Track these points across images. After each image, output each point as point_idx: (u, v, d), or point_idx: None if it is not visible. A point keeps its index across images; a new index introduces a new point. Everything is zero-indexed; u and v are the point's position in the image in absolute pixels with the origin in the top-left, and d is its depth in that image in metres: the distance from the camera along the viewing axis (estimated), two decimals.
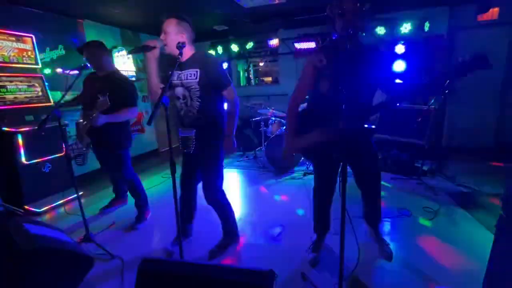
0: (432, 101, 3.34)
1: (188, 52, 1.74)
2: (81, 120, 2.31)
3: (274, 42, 5.10)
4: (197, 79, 1.70)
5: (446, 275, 1.74)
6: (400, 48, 4.37)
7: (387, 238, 2.18)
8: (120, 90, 2.20)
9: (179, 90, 1.78)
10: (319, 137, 1.60)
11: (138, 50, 1.62)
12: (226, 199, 2.03)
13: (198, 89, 1.72)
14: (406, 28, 4.21)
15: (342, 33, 1.50)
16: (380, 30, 4.37)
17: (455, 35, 4.41)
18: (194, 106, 1.76)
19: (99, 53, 2.25)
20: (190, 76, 1.72)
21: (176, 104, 1.83)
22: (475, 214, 2.48)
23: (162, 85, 1.70)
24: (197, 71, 1.71)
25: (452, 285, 1.65)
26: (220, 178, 1.93)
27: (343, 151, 1.33)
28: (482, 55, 1.29)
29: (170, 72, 1.48)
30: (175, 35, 1.67)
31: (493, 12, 4.06)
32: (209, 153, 1.86)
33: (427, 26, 4.22)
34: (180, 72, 1.75)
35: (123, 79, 2.34)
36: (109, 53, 2.39)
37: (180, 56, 1.55)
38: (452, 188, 3.08)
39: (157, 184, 3.70)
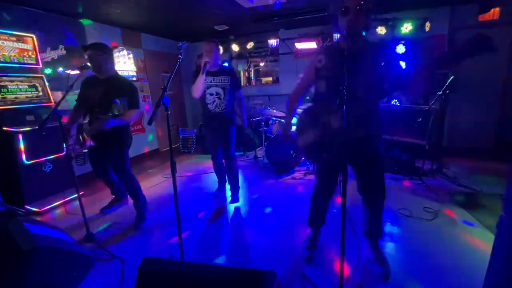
0: (433, 101, 3.34)
1: (218, 64, 2.65)
2: (86, 122, 2.30)
3: (273, 42, 5.10)
4: (229, 83, 2.65)
5: (446, 275, 1.74)
6: (400, 49, 4.36)
7: (387, 238, 2.18)
8: (125, 94, 2.23)
9: (213, 89, 2.64)
10: (314, 136, 1.61)
11: (200, 69, 2.44)
12: (237, 162, 2.97)
13: (229, 89, 2.66)
14: (406, 28, 4.20)
15: (345, 32, 1.45)
16: (381, 30, 4.37)
17: (456, 35, 4.40)
18: (226, 99, 2.68)
19: (104, 58, 2.25)
20: (225, 80, 2.64)
21: (206, 99, 2.66)
22: (476, 214, 2.47)
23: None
24: (228, 78, 2.65)
25: (452, 286, 1.65)
26: (234, 147, 2.87)
27: (339, 153, 1.34)
28: (483, 37, 1.17)
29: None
30: (216, 54, 2.56)
31: (494, 12, 4.05)
32: (231, 129, 2.78)
33: (427, 26, 4.21)
34: (213, 77, 2.61)
35: (127, 83, 2.36)
36: (112, 56, 2.40)
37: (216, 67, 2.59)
38: (452, 188, 3.08)
39: (158, 183, 3.70)
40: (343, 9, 1.43)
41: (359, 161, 1.67)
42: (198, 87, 2.48)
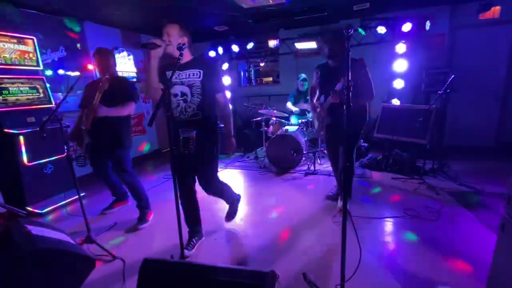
0: (434, 100, 3.33)
1: (187, 55, 1.90)
2: (82, 119, 2.32)
3: (273, 42, 5.10)
4: (200, 78, 1.87)
5: (448, 275, 1.73)
6: (401, 47, 4.35)
7: (389, 238, 2.18)
8: (120, 87, 2.28)
9: (177, 88, 1.90)
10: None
11: (144, 46, 1.70)
12: (221, 182, 2.22)
13: (200, 86, 1.87)
14: (407, 27, 4.19)
15: (327, 59, 2.46)
16: (381, 30, 4.36)
17: (456, 34, 4.40)
18: (194, 102, 1.89)
19: (112, 62, 2.40)
20: (193, 75, 1.88)
21: (171, 102, 1.91)
22: (478, 214, 2.47)
23: (161, 84, 1.83)
24: (200, 72, 1.88)
25: (454, 285, 1.65)
26: (217, 169, 2.13)
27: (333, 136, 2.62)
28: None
29: (171, 72, 1.56)
30: (178, 38, 1.82)
31: (495, 11, 4.04)
32: (209, 147, 1.97)
33: (428, 25, 4.20)
34: (179, 72, 1.89)
35: (122, 78, 2.42)
36: (114, 59, 2.48)
37: (180, 57, 1.60)
38: (454, 187, 3.07)
39: (158, 184, 3.70)
40: (321, 46, 2.38)
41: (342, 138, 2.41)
42: (149, 84, 1.79)
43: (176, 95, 1.90)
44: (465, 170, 3.49)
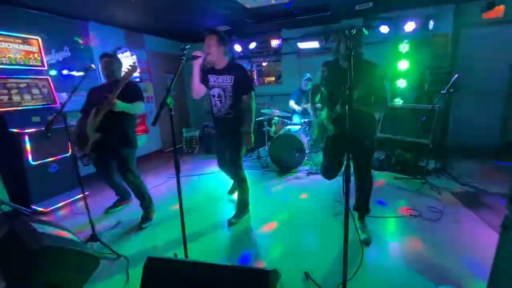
0: (437, 100, 3.31)
1: (223, 61, 2.27)
2: (91, 116, 2.35)
3: (276, 42, 5.10)
4: (231, 83, 2.24)
5: (451, 274, 1.73)
6: (404, 47, 4.34)
7: (391, 238, 2.18)
8: (127, 89, 2.29)
9: (216, 91, 2.31)
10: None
11: (189, 59, 2.00)
12: (245, 175, 2.55)
13: (231, 90, 2.25)
14: (410, 26, 4.18)
15: (343, 55, 1.91)
16: (384, 29, 4.35)
17: (460, 33, 4.37)
18: (227, 103, 2.30)
19: (116, 64, 2.46)
20: (226, 81, 2.25)
21: (211, 101, 2.37)
22: (480, 213, 2.46)
23: (203, 86, 2.32)
24: (232, 77, 2.24)
25: (456, 285, 1.64)
26: (242, 158, 2.46)
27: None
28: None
29: (207, 77, 2.22)
30: (216, 48, 2.18)
31: (499, 10, 4.01)
32: (237, 137, 2.35)
33: (431, 24, 4.19)
34: (217, 76, 2.28)
35: (131, 82, 2.42)
36: (121, 63, 2.54)
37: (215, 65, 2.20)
38: (457, 187, 3.05)
39: (162, 183, 3.72)
40: (339, 38, 1.89)
41: (354, 153, 1.99)
42: (193, 87, 2.27)
43: (214, 96, 2.33)
44: (468, 170, 3.48)
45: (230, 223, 2.49)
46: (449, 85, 3.21)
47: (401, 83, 4.47)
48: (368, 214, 2.26)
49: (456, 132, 4.48)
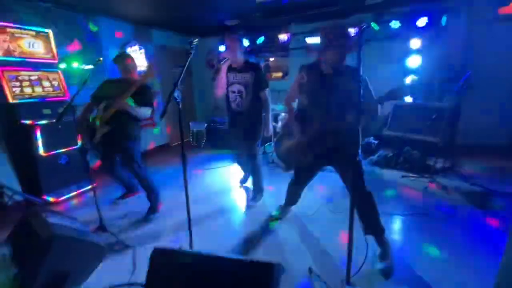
0: (448, 98, 3.24)
1: (241, 60, 2.50)
2: (100, 110, 2.42)
3: (284, 36, 5.05)
4: (252, 80, 2.46)
5: (456, 274, 1.71)
6: (415, 43, 4.25)
7: (396, 236, 2.17)
8: (141, 92, 2.37)
9: (236, 87, 2.51)
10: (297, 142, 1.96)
11: (220, 64, 2.41)
12: (261, 163, 2.82)
13: (251, 87, 2.47)
14: (422, 22, 4.08)
15: (329, 63, 1.77)
16: (395, 24, 4.26)
17: (474, 29, 4.24)
18: (248, 98, 2.51)
19: (132, 65, 2.52)
20: (247, 78, 2.46)
21: (230, 97, 2.57)
22: (488, 213, 2.41)
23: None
24: (252, 74, 2.45)
25: (463, 284, 1.63)
26: (259, 145, 2.72)
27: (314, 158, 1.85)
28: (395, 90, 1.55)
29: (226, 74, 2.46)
30: (237, 49, 2.43)
31: None
32: (257, 130, 2.62)
33: (444, 19, 4.07)
34: (236, 73, 2.50)
35: (143, 85, 2.47)
36: (136, 64, 2.59)
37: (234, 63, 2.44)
38: (465, 187, 3.00)
39: (168, 176, 3.77)
40: (328, 44, 1.70)
41: (338, 165, 1.93)
42: (218, 85, 2.50)
43: (233, 92, 2.53)
44: (478, 170, 3.41)
45: (249, 206, 2.77)
46: (460, 82, 3.13)
47: (411, 80, 4.39)
48: (384, 232, 1.87)
49: (466, 130, 4.38)
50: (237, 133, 2.69)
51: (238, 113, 2.57)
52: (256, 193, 2.86)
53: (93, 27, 3.93)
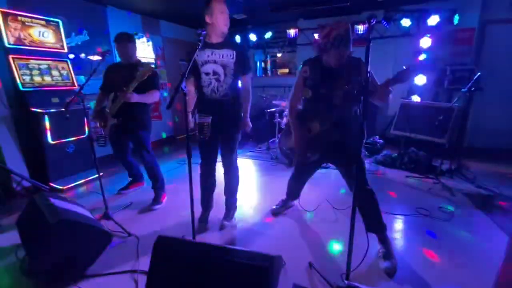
0: (456, 99, 3.19)
1: (224, 30, 1.92)
2: (109, 101, 2.45)
3: (292, 32, 5.00)
4: (233, 60, 1.91)
5: (456, 274, 1.71)
6: (425, 42, 4.18)
7: (398, 235, 2.16)
8: (146, 82, 2.33)
9: (210, 67, 1.92)
10: (300, 137, 1.92)
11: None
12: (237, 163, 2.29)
13: (233, 68, 1.92)
14: (433, 20, 4.00)
15: (333, 61, 1.74)
16: (405, 22, 4.19)
17: (486, 28, 4.15)
18: (227, 82, 1.94)
19: (130, 46, 2.45)
20: (227, 56, 1.91)
21: (202, 80, 1.95)
22: (494, 217, 2.40)
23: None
24: (233, 53, 1.91)
25: (464, 285, 1.63)
26: (237, 146, 2.19)
27: (319, 153, 1.84)
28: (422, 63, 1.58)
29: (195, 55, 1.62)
30: (226, 13, 1.91)
31: None
32: (236, 122, 2.07)
33: (456, 18, 3.99)
34: (212, 50, 1.91)
35: (147, 67, 2.44)
36: (135, 45, 2.54)
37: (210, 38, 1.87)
38: (470, 189, 2.97)
39: (173, 169, 3.81)
40: (330, 43, 1.67)
41: (340, 160, 1.88)
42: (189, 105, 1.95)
43: (208, 74, 1.93)
44: (484, 173, 3.37)
45: (223, 227, 2.25)
46: (470, 83, 3.08)
47: (420, 80, 4.32)
48: (386, 230, 1.85)
49: (475, 133, 4.32)
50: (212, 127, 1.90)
51: (212, 101, 1.95)
52: (232, 210, 2.37)
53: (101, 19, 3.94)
